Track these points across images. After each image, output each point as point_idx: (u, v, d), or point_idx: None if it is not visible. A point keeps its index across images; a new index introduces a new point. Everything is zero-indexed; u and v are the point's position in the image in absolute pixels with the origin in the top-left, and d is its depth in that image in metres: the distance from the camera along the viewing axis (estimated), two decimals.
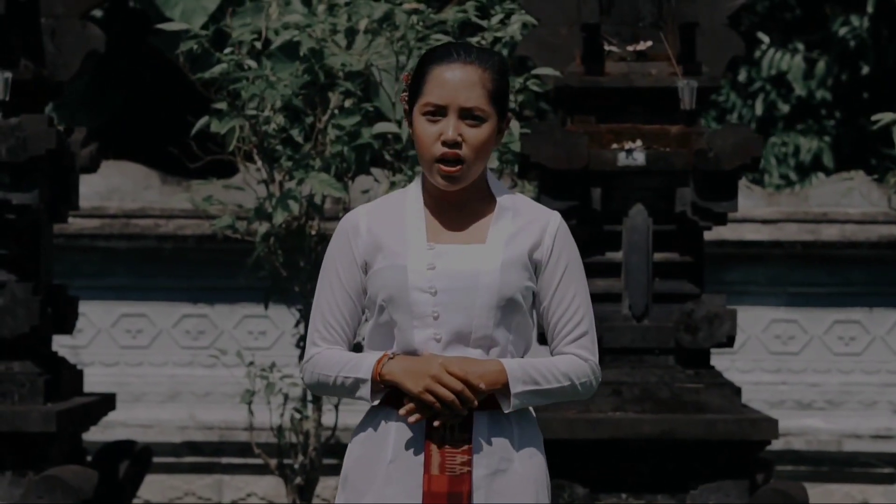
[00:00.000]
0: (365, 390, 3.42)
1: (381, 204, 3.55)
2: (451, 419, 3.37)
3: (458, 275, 3.41)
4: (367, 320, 3.55)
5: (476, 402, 3.37)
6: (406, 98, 3.52)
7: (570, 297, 3.49)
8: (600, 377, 3.53)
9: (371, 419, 3.47)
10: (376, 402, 3.43)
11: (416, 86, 3.46)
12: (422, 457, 3.39)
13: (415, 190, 3.53)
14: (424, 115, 3.43)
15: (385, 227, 3.48)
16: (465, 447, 3.39)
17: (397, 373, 3.38)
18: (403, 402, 3.39)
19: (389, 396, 3.43)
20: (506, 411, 3.42)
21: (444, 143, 3.40)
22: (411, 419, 3.37)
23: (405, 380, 3.37)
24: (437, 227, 3.48)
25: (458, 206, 3.49)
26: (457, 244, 3.46)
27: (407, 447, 3.40)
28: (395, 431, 3.42)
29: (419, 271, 3.42)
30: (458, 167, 3.41)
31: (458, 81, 3.40)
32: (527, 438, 3.46)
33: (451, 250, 3.44)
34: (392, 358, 3.41)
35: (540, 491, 3.47)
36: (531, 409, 3.51)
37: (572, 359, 3.48)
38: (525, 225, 3.49)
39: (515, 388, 3.39)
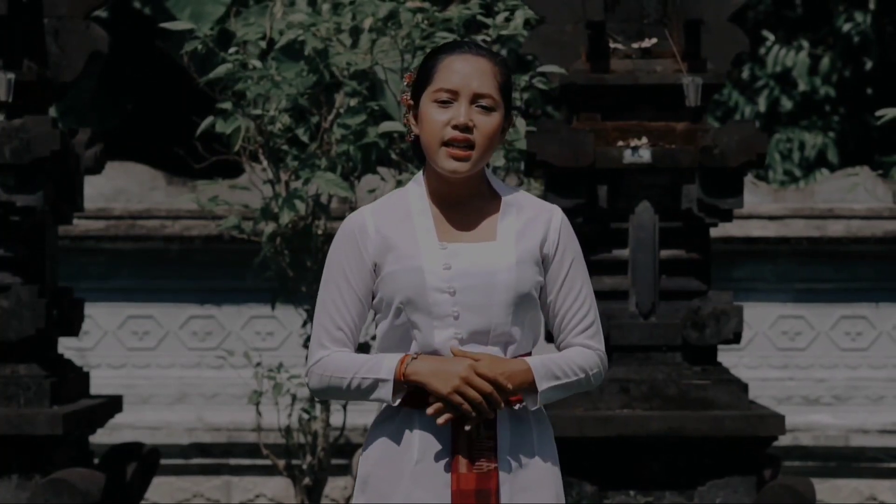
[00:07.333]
0: (385, 391, 3.40)
1: (384, 204, 3.54)
2: (477, 421, 3.38)
3: (475, 274, 3.43)
4: (375, 322, 3.53)
5: (503, 405, 3.39)
6: (407, 97, 3.53)
7: (577, 290, 3.53)
8: (608, 365, 3.57)
9: (389, 420, 3.47)
10: (396, 403, 3.42)
11: (424, 76, 3.48)
12: (449, 456, 3.40)
13: (416, 189, 3.52)
14: (435, 102, 3.44)
15: (393, 228, 3.47)
16: (491, 444, 3.41)
17: (423, 373, 3.38)
18: (428, 402, 3.38)
19: (408, 397, 3.43)
20: (532, 408, 3.45)
21: (456, 128, 3.42)
22: (440, 420, 3.36)
23: (432, 380, 3.37)
24: (444, 225, 3.49)
25: (463, 204, 3.50)
26: (468, 242, 3.46)
27: (433, 447, 3.41)
28: (419, 432, 3.42)
29: (435, 272, 3.42)
30: (469, 152, 3.43)
31: (471, 69, 3.44)
32: (544, 435, 3.51)
33: (463, 249, 3.45)
34: (415, 358, 3.40)
35: (558, 485, 3.51)
36: (543, 406, 3.54)
37: (582, 350, 3.52)
38: (530, 220, 3.51)
39: (542, 386, 3.43)
